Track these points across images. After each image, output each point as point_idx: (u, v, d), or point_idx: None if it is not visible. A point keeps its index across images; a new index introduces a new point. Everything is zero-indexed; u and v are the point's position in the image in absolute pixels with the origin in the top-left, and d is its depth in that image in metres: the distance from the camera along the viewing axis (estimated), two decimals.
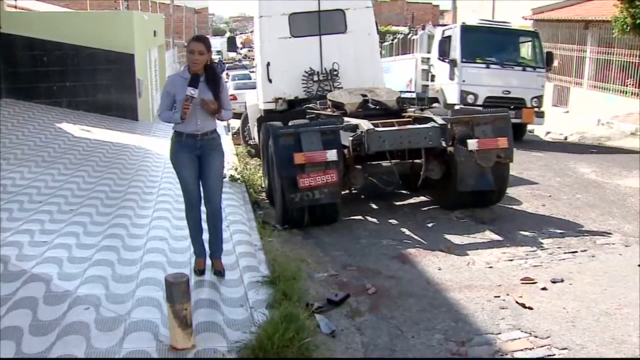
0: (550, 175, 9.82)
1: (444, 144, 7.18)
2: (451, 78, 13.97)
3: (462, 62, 13.77)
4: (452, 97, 13.86)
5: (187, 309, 3.68)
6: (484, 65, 13.95)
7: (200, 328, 3.98)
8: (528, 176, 9.77)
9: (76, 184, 7.78)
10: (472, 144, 7.12)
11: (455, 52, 13.88)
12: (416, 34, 17.14)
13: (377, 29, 10.16)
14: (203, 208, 4.98)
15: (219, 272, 4.96)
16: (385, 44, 19.60)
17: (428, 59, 15.53)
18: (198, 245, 5.06)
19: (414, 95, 15.68)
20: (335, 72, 9.58)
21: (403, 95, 14.12)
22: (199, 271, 4.98)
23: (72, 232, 5.78)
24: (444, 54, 14.06)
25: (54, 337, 3.73)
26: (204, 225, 5.05)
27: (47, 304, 4.15)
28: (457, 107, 12.17)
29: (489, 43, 14.37)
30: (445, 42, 14.06)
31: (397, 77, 16.93)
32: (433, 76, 15.06)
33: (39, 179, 7.82)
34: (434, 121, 7.29)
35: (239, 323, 4.15)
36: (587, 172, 9.85)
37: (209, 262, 5.06)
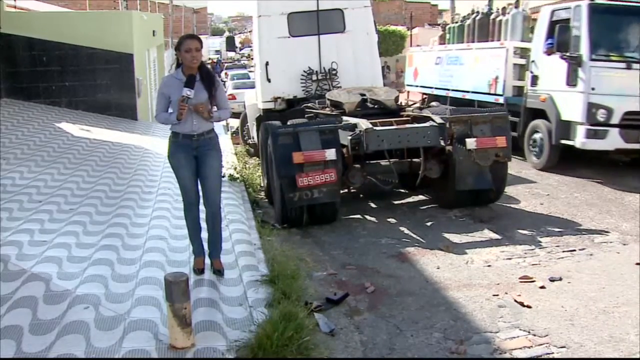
0: (548, 173, 9.83)
1: (442, 143, 7.20)
2: (571, 83, 9.56)
3: (592, 59, 9.32)
4: (572, 111, 9.58)
5: (187, 308, 3.69)
6: (622, 65, 9.37)
7: (199, 327, 3.99)
8: (526, 175, 9.79)
9: (76, 183, 7.78)
10: (471, 143, 7.14)
11: (579, 44, 9.47)
12: (504, 14, 12.91)
13: (376, 28, 10.16)
14: (202, 207, 4.99)
15: (218, 271, 4.97)
16: (453, 25, 15.36)
17: (526, 50, 11.23)
18: (197, 244, 5.07)
19: (500, 100, 11.33)
20: (333, 72, 9.59)
21: (478, 99, 11.95)
22: (198, 270, 4.99)
23: (71, 232, 5.78)
24: (562, 46, 9.64)
25: (53, 336, 3.74)
26: (203, 225, 5.07)
27: (47, 303, 4.15)
28: (582, 127, 9.35)
29: (629, 31, 9.83)
30: (564, 28, 9.63)
31: (473, 73, 12.47)
32: (535, 77, 10.51)
33: (39, 178, 7.82)
34: (433, 120, 7.31)
35: (238, 322, 4.16)
36: (585, 173, 9.85)
37: (208, 261, 5.08)
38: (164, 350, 3.70)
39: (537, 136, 10.37)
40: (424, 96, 14.88)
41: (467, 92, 12.53)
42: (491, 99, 11.61)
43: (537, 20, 10.95)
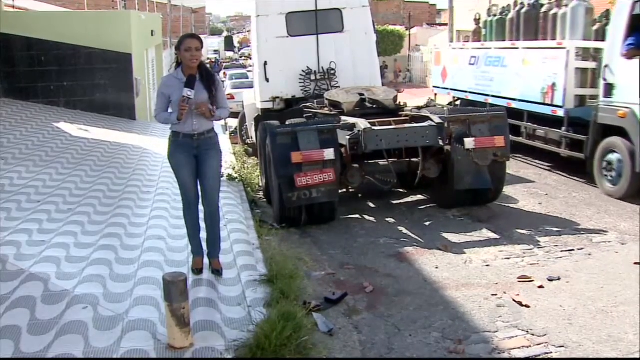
0: (547, 173, 9.84)
1: (441, 142, 7.21)
2: None
3: None
4: None
5: (185, 307, 3.69)
6: None
7: (198, 327, 3.99)
8: (525, 174, 9.79)
9: (74, 183, 7.78)
10: (469, 142, 7.14)
11: None
12: (559, 6, 10.41)
13: (374, 28, 10.16)
14: (201, 207, 5.00)
15: (217, 271, 4.97)
16: (490, 18, 12.67)
17: (594, 51, 9.22)
18: (196, 244, 5.07)
19: (558, 112, 9.38)
20: (332, 71, 9.59)
21: (529, 109, 10.12)
22: (197, 270, 4.99)
23: (70, 232, 5.78)
24: None
25: (52, 337, 3.74)
26: (202, 224, 5.07)
27: (46, 303, 4.15)
28: None
29: None
30: None
31: (521, 77, 10.38)
32: (610, 86, 8.33)
33: (37, 178, 7.82)
34: (431, 120, 7.32)
35: (237, 322, 4.16)
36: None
37: (206, 261, 5.08)
38: (162, 350, 3.70)
39: (612, 157, 8.23)
40: (455, 100, 13.25)
41: (514, 100, 10.54)
42: (547, 110, 9.66)
43: (613, 14, 8.84)
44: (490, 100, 11.37)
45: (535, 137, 10.39)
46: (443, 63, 14.10)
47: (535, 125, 10.24)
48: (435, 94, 14.35)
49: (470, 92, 12.32)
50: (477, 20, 13.51)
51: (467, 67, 12.55)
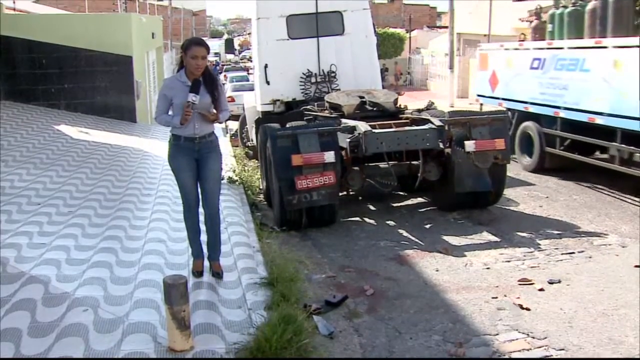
0: (547, 176, 9.84)
1: (441, 145, 7.21)
2: None
3: None
4: None
5: (186, 310, 3.69)
6: None
7: (198, 330, 3.99)
8: (525, 177, 9.79)
9: (74, 185, 7.78)
10: (470, 145, 7.14)
11: None
12: None
13: (375, 30, 10.16)
14: (201, 210, 4.99)
15: (217, 274, 4.97)
16: (559, 10, 10.49)
17: None
18: (196, 247, 5.07)
19: None
20: (332, 74, 9.60)
21: (625, 126, 7.98)
22: (197, 273, 4.99)
23: (70, 234, 5.78)
24: None
25: (52, 339, 3.74)
26: (202, 227, 5.07)
27: (46, 305, 4.15)
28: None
29: None
30: None
31: (611, 85, 8.28)
32: None
33: (38, 180, 7.82)
34: (432, 123, 7.32)
35: (237, 324, 4.16)
36: (584, 176, 9.85)
37: (207, 263, 5.07)
38: (162, 353, 3.70)
39: None
40: (508, 111, 10.09)
41: (599, 114, 8.45)
42: None
43: None
44: (563, 114, 9.34)
45: (633, 163, 8.29)
46: (492, 67, 11.71)
47: (633, 148, 8.07)
48: (481, 104, 12.45)
49: (533, 103, 10.16)
50: (537, 14, 11.33)
51: (527, 72, 10.32)
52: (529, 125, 10.35)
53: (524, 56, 10.50)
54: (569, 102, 9.21)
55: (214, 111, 4.75)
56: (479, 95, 12.46)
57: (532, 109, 10.19)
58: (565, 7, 10.42)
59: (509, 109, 10.49)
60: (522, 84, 10.43)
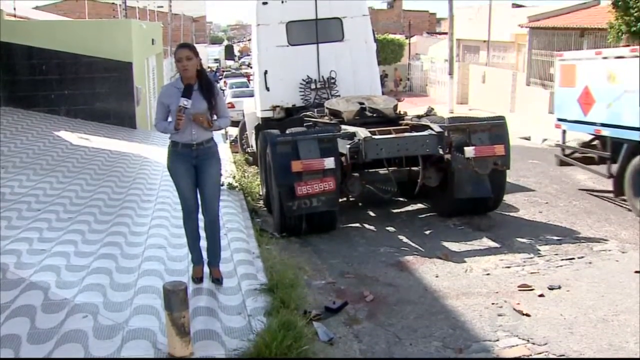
0: (547, 182, 9.84)
1: (441, 151, 7.22)
2: None
3: None
4: None
5: (185, 316, 3.69)
6: None
7: (198, 336, 3.98)
8: (525, 183, 9.79)
9: (74, 192, 7.78)
10: (469, 151, 7.15)
11: None
12: None
13: (374, 37, 10.19)
14: (201, 216, 5.00)
15: (217, 280, 4.97)
16: None
17: None
18: (196, 253, 5.07)
19: None
20: (332, 80, 9.61)
21: None
22: (197, 279, 4.99)
23: (70, 240, 5.78)
24: None
25: (52, 345, 3.74)
26: (202, 233, 5.07)
27: (45, 312, 4.15)
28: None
29: None
30: None
31: None
32: None
33: (37, 186, 7.82)
34: (431, 129, 7.33)
35: (237, 331, 4.15)
36: (583, 179, 9.87)
37: (206, 269, 5.07)
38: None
39: None
40: (609, 140, 8.19)
41: None
42: None
43: None
44: None
45: None
46: (581, 83, 8.72)
47: None
48: (564, 131, 9.41)
49: None
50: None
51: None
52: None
53: (636, 67, 7.50)
54: None
55: (209, 116, 4.75)
56: (560, 120, 9.37)
57: None
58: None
59: (612, 138, 8.12)
60: (635, 105, 7.47)
